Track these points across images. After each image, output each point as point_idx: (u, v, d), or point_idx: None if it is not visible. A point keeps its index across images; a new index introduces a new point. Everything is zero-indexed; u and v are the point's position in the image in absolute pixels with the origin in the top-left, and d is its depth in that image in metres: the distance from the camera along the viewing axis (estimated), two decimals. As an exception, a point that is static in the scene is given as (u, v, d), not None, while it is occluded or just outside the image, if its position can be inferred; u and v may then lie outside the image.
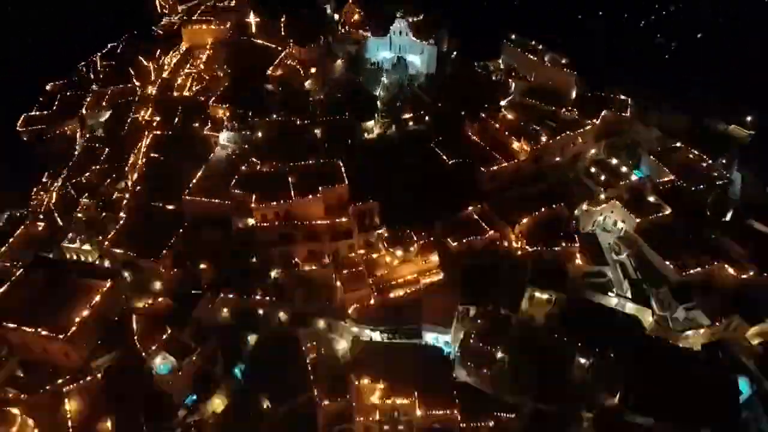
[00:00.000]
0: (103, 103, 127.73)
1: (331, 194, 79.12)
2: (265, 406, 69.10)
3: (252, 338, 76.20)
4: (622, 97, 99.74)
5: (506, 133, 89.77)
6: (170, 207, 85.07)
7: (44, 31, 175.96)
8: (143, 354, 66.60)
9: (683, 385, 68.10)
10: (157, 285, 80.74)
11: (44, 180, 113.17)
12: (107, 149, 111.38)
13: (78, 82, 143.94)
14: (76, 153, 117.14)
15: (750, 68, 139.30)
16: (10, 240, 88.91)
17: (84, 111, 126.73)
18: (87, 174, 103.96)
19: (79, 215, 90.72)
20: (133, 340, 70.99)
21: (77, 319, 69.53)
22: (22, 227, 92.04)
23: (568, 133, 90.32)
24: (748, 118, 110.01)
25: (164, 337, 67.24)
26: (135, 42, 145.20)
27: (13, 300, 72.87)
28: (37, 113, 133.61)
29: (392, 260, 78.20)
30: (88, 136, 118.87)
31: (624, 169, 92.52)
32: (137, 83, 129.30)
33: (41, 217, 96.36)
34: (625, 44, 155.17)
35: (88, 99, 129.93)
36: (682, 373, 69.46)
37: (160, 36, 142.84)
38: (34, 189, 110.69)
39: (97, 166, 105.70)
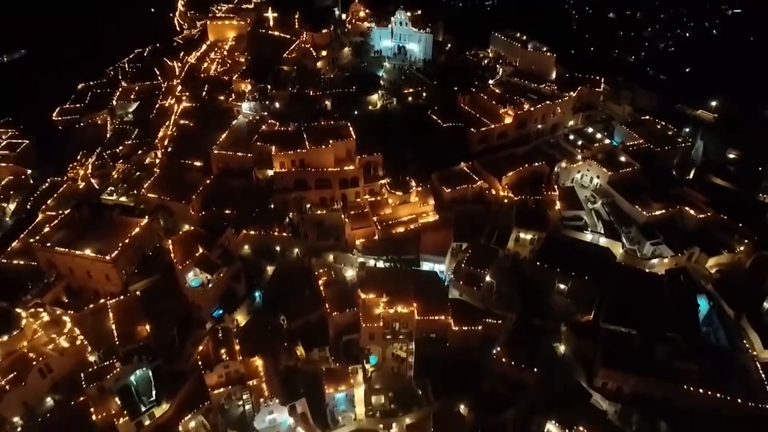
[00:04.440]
0: (132, 96, 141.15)
1: (341, 147, 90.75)
2: (281, 320, 78.43)
3: (270, 269, 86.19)
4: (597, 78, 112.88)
5: (494, 102, 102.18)
6: (198, 163, 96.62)
7: (76, 43, 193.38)
8: (179, 268, 76.38)
9: (650, 302, 77.85)
10: (186, 228, 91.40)
11: (78, 158, 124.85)
12: (136, 130, 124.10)
13: (107, 83, 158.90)
14: (108, 135, 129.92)
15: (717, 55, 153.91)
16: (57, 192, 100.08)
17: (114, 102, 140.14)
18: (120, 148, 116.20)
19: (115, 176, 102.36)
20: (166, 267, 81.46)
21: (120, 244, 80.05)
22: (65, 185, 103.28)
23: (548, 102, 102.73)
24: (714, 103, 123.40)
25: (196, 255, 77.32)
26: (159, 49, 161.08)
27: (63, 232, 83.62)
28: (71, 106, 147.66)
29: (394, 201, 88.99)
30: (118, 122, 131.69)
31: (599, 136, 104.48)
32: (162, 80, 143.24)
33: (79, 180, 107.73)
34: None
35: (118, 92, 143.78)
36: (649, 292, 79.38)
37: (181, 44, 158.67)
38: (70, 165, 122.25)
39: (129, 142, 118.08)
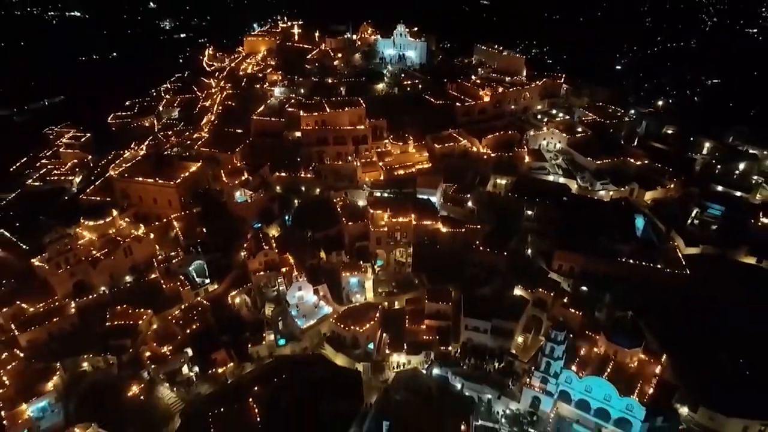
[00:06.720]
0: (174, 104, 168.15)
1: (354, 113, 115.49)
2: (306, 234, 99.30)
3: (297, 201, 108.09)
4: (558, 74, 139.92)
5: (475, 87, 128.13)
6: (239, 130, 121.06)
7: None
8: (228, 186, 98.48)
9: (597, 217, 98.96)
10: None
11: (132, 146, 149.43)
12: (182, 123, 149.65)
13: (150, 100, 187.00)
14: (156, 130, 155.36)
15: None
16: (121, 158, 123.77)
17: (160, 108, 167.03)
18: (170, 133, 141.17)
19: (168, 146, 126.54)
20: (215, 200, 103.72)
21: (182, 175, 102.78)
22: (129, 152, 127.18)
23: (518, 87, 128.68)
24: (659, 102, 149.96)
25: (242, 179, 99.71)
26: (196, 71, 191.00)
27: (136, 170, 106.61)
28: (122, 113, 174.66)
29: (395, 151, 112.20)
30: (165, 119, 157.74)
31: (561, 115, 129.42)
32: (200, 94, 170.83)
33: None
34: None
35: (163, 102, 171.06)
36: (596, 211, 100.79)
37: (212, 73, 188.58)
38: (125, 149, 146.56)
39: (177, 128, 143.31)
